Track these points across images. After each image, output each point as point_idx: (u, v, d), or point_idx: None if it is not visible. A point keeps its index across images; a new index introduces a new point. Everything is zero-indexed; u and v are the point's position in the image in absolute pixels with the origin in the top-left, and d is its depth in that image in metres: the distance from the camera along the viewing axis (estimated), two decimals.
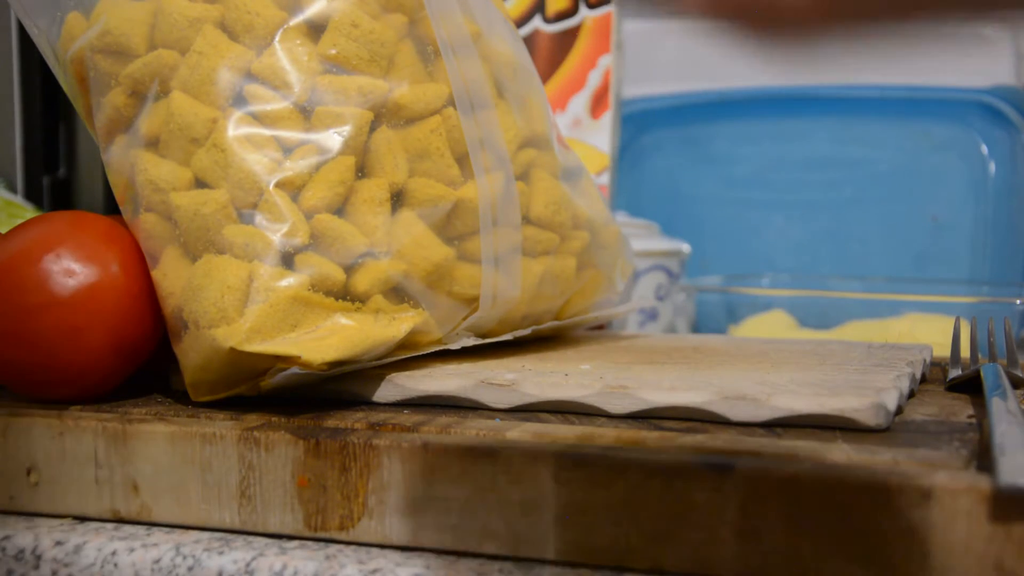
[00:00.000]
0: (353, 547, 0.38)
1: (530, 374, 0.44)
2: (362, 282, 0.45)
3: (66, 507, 0.42)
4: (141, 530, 0.40)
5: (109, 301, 0.44)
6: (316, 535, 0.39)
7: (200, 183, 0.44)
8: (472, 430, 0.39)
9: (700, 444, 0.36)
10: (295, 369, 0.42)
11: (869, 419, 0.38)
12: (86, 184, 0.88)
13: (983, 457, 0.35)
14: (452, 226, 0.48)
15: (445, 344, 0.49)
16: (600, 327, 0.70)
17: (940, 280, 0.88)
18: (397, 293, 0.46)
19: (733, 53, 1.07)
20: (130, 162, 0.46)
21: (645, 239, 0.83)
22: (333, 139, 0.45)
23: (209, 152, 0.44)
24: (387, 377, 0.45)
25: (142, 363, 0.46)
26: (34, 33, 0.50)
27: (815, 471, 0.33)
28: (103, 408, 0.43)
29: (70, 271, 0.43)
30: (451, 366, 0.47)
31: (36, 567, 0.39)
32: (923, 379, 0.50)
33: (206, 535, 0.40)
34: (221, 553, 0.38)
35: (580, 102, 0.84)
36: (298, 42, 0.46)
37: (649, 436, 0.38)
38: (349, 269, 0.44)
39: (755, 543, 0.34)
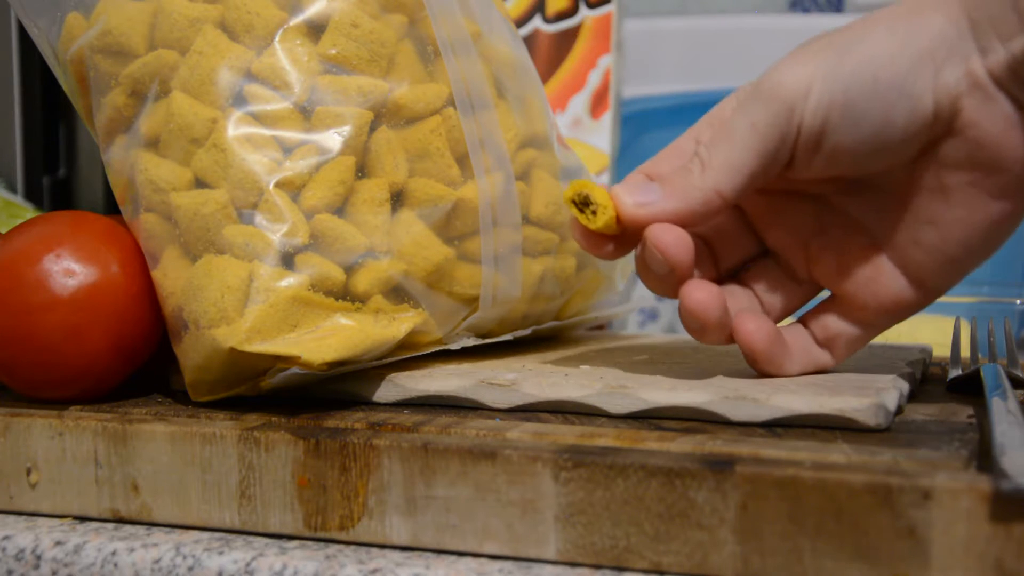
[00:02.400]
0: (353, 547, 0.38)
1: (530, 374, 0.44)
2: (362, 282, 0.45)
3: (66, 507, 0.42)
4: (141, 530, 0.40)
5: (109, 301, 0.44)
6: (316, 535, 0.39)
7: (200, 183, 0.44)
8: (472, 430, 0.39)
9: (700, 444, 0.36)
10: (295, 369, 0.42)
11: (869, 419, 0.38)
12: (86, 184, 0.88)
13: (983, 457, 0.35)
14: (452, 226, 0.48)
15: (445, 344, 0.49)
16: (600, 327, 0.70)
17: None
18: (397, 293, 0.46)
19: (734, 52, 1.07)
20: (130, 162, 0.46)
21: None
22: (333, 139, 0.45)
23: (209, 152, 0.44)
24: (387, 377, 0.45)
25: (142, 363, 0.46)
26: (34, 33, 0.50)
27: (815, 471, 0.33)
28: (103, 408, 0.43)
29: (70, 271, 0.43)
30: (451, 366, 0.47)
31: (36, 567, 0.39)
32: (923, 379, 0.50)
33: (206, 535, 0.40)
34: (221, 553, 0.38)
35: (580, 102, 0.84)
36: (298, 42, 0.46)
37: (649, 436, 0.38)
38: (349, 269, 0.44)
39: (755, 543, 0.34)
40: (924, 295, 0.42)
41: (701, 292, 0.41)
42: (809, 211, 0.44)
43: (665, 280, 0.42)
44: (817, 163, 0.41)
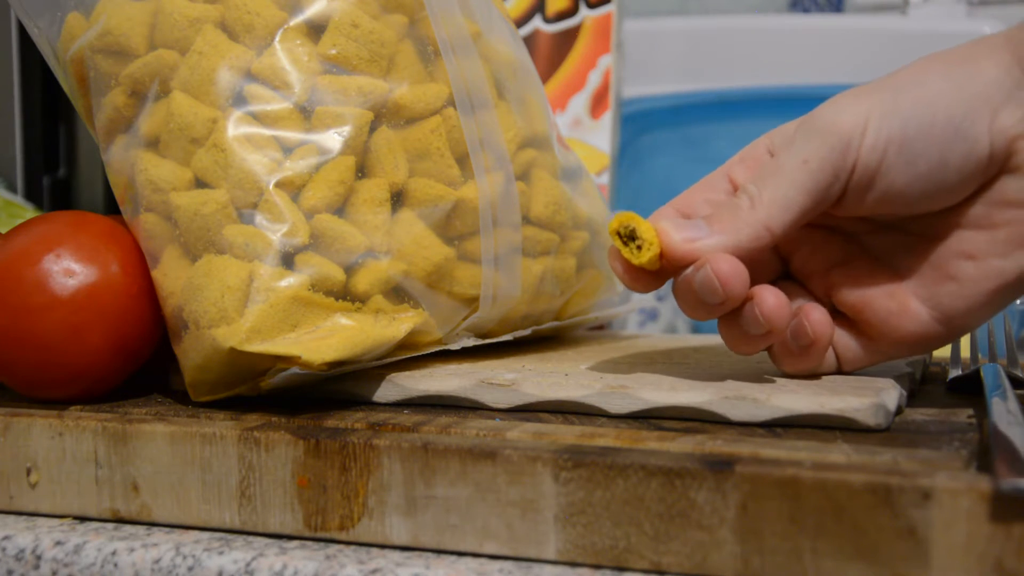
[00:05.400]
0: (353, 547, 0.38)
1: (530, 374, 0.44)
2: (362, 282, 0.45)
3: (66, 507, 0.42)
4: (141, 530, 0.40)
5: (109, 301, 0.44)
6: (316, 535, 0.39)
7: (200, 183, 0.44)
8: (472, 430, 0.39)
9: (700, 444, 0.36)
10: (295, 369, 0.42)
11: (869, 419, 0.38)
12: (86, 184, 0.88)
13: (983, 457, 0.35)
14: (452, 226, 0.48)
15: (445, 344, 0.49)
16: (600, 327, 0.70)
17: None
18: (397, 293, 0.46)
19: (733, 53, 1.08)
20: (130, 162, 0.46)
21: None
22: (333, 139, 0.45)
23: (209, 152, 0.44)
24: (387, 377, 0.45)
25: (142, 363, 0.46)
26: (34, 33, 0.50)
27: (815, 471, 0.33)
28: (103, 408, 0.43)
29: (70, 271, 0.43)
30: (451, 366, 0.47)
31: (36, 567, 0.39)
32: (923, 379, 0.50)
33: (206, 535, 0.40)
34: (221, 553, 0.38)
35: (580, 102, 0.84)
36: (298, 42, 0.46)
37: (649, 436, 0.38)
38: (349, 269, 0.44)
39: (755, 543, 0.34)
40: (949, 331, 0.42)
41: (775, 298, 0.41)
42: (837, 243, 0.44)
43: (712, 309, 0.41)
44: (868, 201, 0.41)
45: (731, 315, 0.42)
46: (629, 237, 0.41)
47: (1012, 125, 0.39)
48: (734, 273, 0.40)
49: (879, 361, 0.44)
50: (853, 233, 0.44)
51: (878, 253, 0.43)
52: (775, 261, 0.45)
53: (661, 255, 0.41)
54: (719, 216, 0.41)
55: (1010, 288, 0.41)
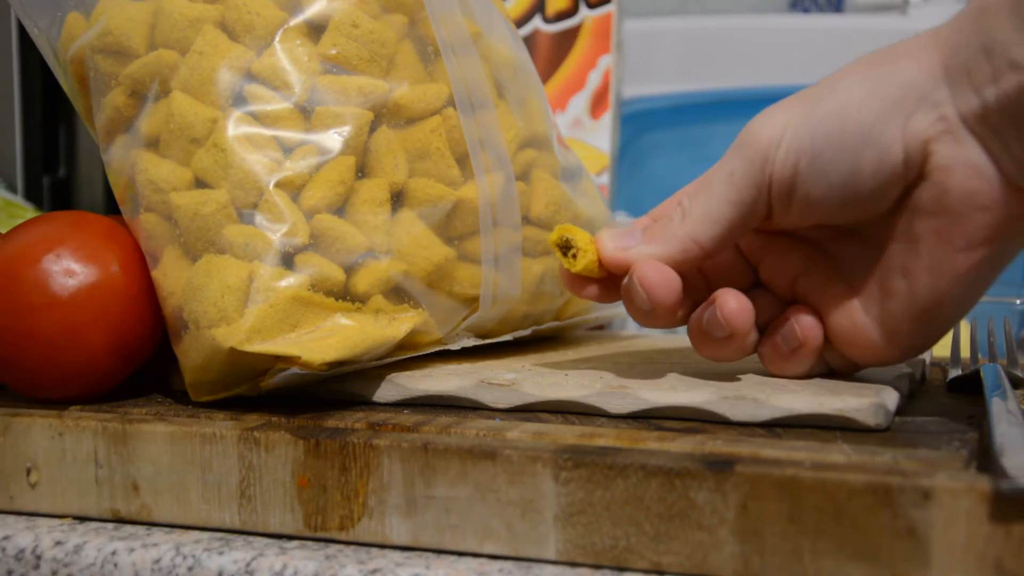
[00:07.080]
0: (353, 547, 0.38)
1: (530, 374, 0.44)
2: (362, 282, 0.45)
3: (66, 507, 0.42)
4: (141, 530, 0.40)
5: (109, 301, 0.44)
6: (316, 535, 0.39)
7: (200, 183, 0.44)
8: (472, 430, 0.39)
9: (700, 444, 0.36)
10: (295, 369, 0.42)
11: (869, 419, 0.38)
12: (86, 184, 0.88)
13: (983, 457, 0.35)
14: (452, 226, 0.48)
15: (445, 344, 0.49)
16: (600, 327, 0.70)
17: None
18: (397, 293, 0.46)
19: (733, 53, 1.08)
20: (130, 162, 0.46)
21: None
22: (333, 139, 0.45)
23: (209, 152, 0.44)
24: (387, 377, 0.45)
25: (142, 363, 0.46)
26: (34, 33, 0.50)
27: (815, 471, 0.33)
28: (103, 408, 0.43)
29: (70, 271, 0.43)
30: (451, 366, 0.47)
31: (36, 567, 0.39)
32: (923, 379, 0.50)
33: (206, 535, 0.40)
34: (221, 553, 0.38)
35: (580, 102, 0.84)
36: (298, 42, 0.46)
37: (649, 436, 0.38)
38: (349, 269, 0.44)
39: (755, 543, 0.34)
40: (899, 352, 0.41)
41: (736, 301, 0.41)
42: (800, 252, 0.44)
43: (649, 316, 0.42)
44: (793, 213, 0.41)
45: (696, 319, 0.43)
46: (567, 247, 0.43)
47: (925, 128, 0.38)
48: (660, 280, 0.41)
49: (858, 369, 0.44)
50: (815, 240, 0.43)
51: (837, 261, 0.43)
52: (746, 270, 0.45)
53: (602, 263, 0.43)
54: (653, 228, 0.42)
55: (945, 307, 0.39)
